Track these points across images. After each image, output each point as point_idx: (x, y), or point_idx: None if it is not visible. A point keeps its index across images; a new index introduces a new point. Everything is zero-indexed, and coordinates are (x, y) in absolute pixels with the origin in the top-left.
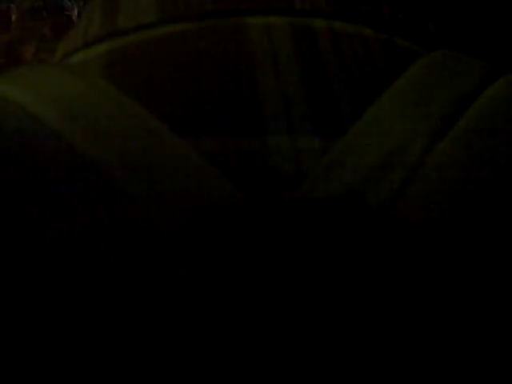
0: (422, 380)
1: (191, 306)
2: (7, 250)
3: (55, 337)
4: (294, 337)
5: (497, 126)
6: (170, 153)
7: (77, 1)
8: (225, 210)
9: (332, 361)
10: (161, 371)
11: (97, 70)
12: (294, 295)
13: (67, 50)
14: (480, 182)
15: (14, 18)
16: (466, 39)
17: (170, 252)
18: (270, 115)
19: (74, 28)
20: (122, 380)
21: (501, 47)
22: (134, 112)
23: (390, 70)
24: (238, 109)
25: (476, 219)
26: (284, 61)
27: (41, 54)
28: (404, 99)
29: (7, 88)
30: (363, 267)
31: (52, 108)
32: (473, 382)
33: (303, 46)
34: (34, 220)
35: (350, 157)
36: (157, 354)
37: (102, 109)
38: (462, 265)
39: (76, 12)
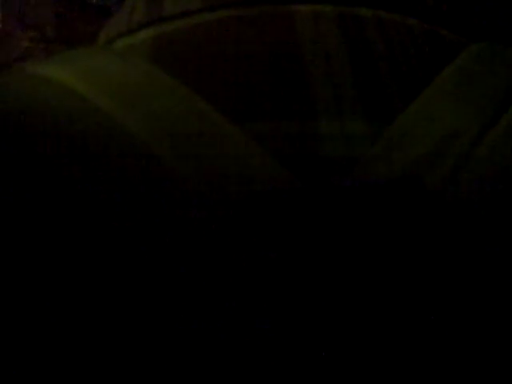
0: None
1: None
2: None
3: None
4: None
5: None
6: (222, 137)
7: None
8: (280, 196)
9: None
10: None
11: (143, 56)
12: (350, 283)
13: (110, 36)
14: None
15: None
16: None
17: (223, 237)
18: (320, 100)
19: (116, 15)
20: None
21: None
22: (184, 96)
23: (436, 60)
24: (287, 93)
25: None
26: (332, 47)
27: None
28: (453, 88)
29: (56, 71)
30: (421, 253)
31: (102, 92)
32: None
33: (351, 33)
34: (86, 202)
35: (399, 143)
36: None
37: (152, 92)
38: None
39: None
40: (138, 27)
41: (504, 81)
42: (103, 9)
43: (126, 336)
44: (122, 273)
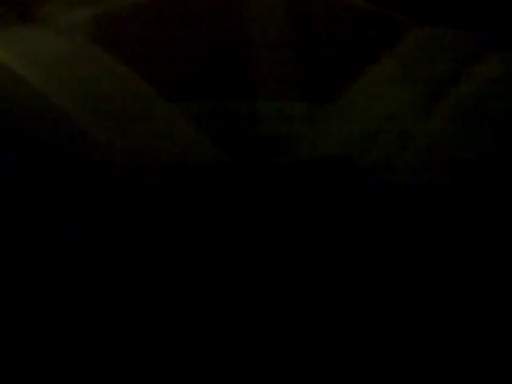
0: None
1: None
2: None
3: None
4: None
5: (487, 99)
6: (157, 115)
7: None
8: (209, 171)
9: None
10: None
11: (83, 33)
12: (274, 262)
13: (51, 14)
14: (471, 151)
15: None
16: (459, 15)
17: (156, 211)
18: (258, 80)
19: None
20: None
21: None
22: (121, 75)
23: (382, 40)
24: (226, 73)
25: (465, 187)
26: (275, 27)
27: None
28: (397, 69)
29: None
30: (347, 229)
31: (37, 68)
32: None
33: (296, 11)
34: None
35: (340, 122)
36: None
37: (89, 71)
38: (449, 231)
39: None
40: (78, 5)
41: (449, 62)
42: None
43: None
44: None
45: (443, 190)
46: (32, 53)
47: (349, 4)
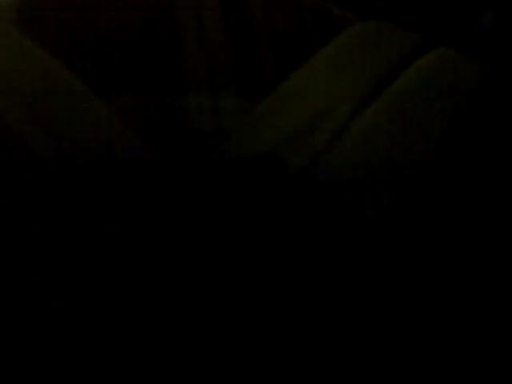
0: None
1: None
2: None
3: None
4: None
5: (424, 96)
6: (83, 108)
7: None
8: (133, 165)
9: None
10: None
11: (9, 19)
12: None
13: None
14: (403, 149)
15: None
16: (401, 10)
17: (82, 207)
18: (193, 74)
19: None
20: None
21: (437, 19)
22: (47, 65)
23: (320, 36)
24: (158, 67)
25: (396, 187)
26: (208, 18)
27: None
28: (332, 64)
29: None
30: (273, 229)
31: None
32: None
33: (229, 3)
34: None
35: (272, 119)
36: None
37: (12, 62)
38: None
39: None
40: None
41: (385, 59)
42: None
43: None
44: None
45: (375, 191)
46: None
47: None
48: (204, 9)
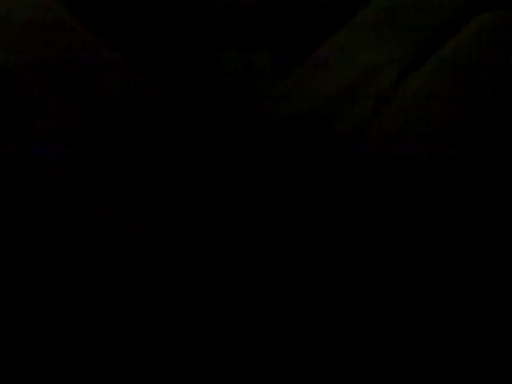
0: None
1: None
2: None
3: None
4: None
5: (474, 61)
6: (105, 66)
7: None
8: (164, 126)
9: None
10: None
11: None
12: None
13: None
14: (454, 115)
15: None
16: None
17: (106, 166)
18: (222, 29)
19: None
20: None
21: None
22: (67, 23)
23: None
24: (184, 21)
25: (447, 155)
26: None
27: None
28: (377, 23)
29: None
30: (321, 193)
31: None
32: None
33: None
34: None
35: (313, 80)
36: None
37: (37, 21)
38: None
39: None
40: None
41: (433, 21)
42: None
43: None
44: None
45: (427, 151)
46: None
47: None
48: None
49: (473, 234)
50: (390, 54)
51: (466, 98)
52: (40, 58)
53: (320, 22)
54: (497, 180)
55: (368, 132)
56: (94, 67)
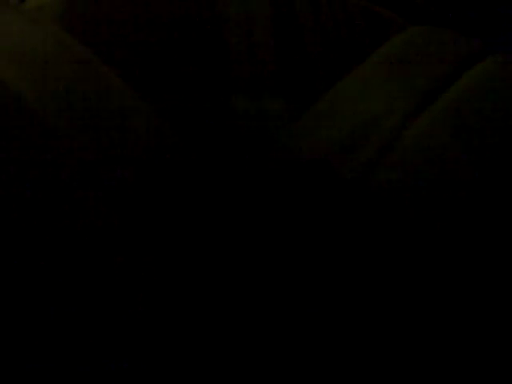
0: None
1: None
2: None
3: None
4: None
5: (479, 107)
6: (127, 111)
7: None
8: (174, 168)
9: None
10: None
11: (53, 17)
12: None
13: None
14: (457, 161)
15: None
16: (454, 15)
17: (119, 209)
18: (237, 75)
19: None
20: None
21: (493, 25)
22: (91, 65)
23: (370, 39)
24: (203, 66)
25: (451, 198)
26: (258, 19)
27: None
28: (384, 70)
29: None
30: (327, 237)
31: (2, 57)
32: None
33: (278, 3)
34: None
35: (322, 124)
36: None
37: (57, 59)
38: (435, 237)
39: None
40: None
41: (438, 66)
42: None
43: None
44: None
45: (431, 197)
46: (2, 43)
47: None
48: (252, 10)
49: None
50: (394, 103)
51: (470, 144)
52: (62, 98)
53: (331, 68)
54: (502, 226)
55: (372, 180)
56: (115, 111)
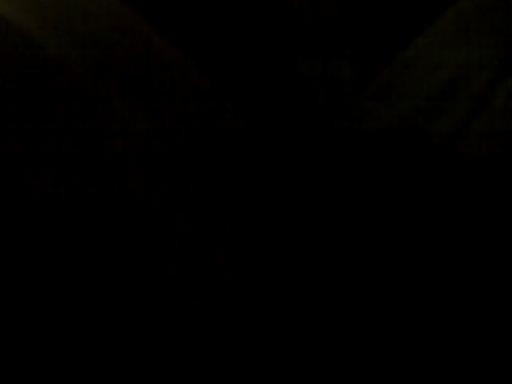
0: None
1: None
2: None
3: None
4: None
5: None
6: (183, 79)
7: None
8: (243, 139)
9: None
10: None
11: None
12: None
13: None
14: None
15: None
16: None
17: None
18: (304, 41)
19: None
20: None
21: None
22: (149, 39)
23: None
24: (269, 30)
25: None
26: None
27: None
28: (465, 25)
29: None
30: (419, 207)
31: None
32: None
33: None
34: None
35: (400, 87)
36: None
37: (116, 34)
38: None
39: None
40: None
41: None
42: None
43: None
44: None
45: None
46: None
47: None
48: None
49: None
50: (481, 57)
51: None
52: (105, 56)
53: (400, 28)
54: None
55: (463, 136)
56: (163, 67)
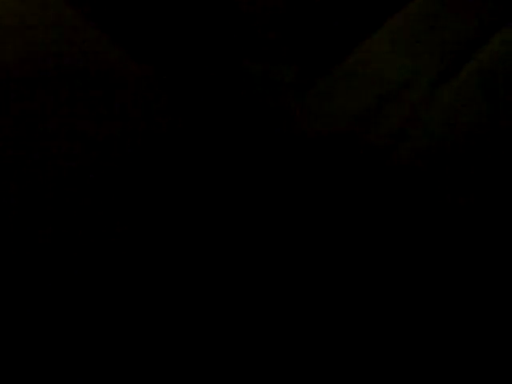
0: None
1: None
2: None
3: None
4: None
5: (504, 72)
6: (112, 70)
7: None
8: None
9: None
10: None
11: None
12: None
13: None
14: (488, 127)
15: None
16: None
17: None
18: (250, 40)
19: None
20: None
21: None
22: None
23: (389, 3)
24: (215, 30)
25: (481, 166)
26: None
27: None
28: (407, 33)
29: None
30: (353, 215)
31: None
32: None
33: None
34: None
35: (341, 93)
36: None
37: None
38: (461, 214)
39: None
40: None
41: (467, 29)
42: None
43: None
44: None
45: (462, 171)
46: None
47: None
48: None
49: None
50: (420, 67)
51: (497, 110)
52: (55, 64)
53: (345, 33)
54: None
55: (399, 148)
56: (112, 77)
